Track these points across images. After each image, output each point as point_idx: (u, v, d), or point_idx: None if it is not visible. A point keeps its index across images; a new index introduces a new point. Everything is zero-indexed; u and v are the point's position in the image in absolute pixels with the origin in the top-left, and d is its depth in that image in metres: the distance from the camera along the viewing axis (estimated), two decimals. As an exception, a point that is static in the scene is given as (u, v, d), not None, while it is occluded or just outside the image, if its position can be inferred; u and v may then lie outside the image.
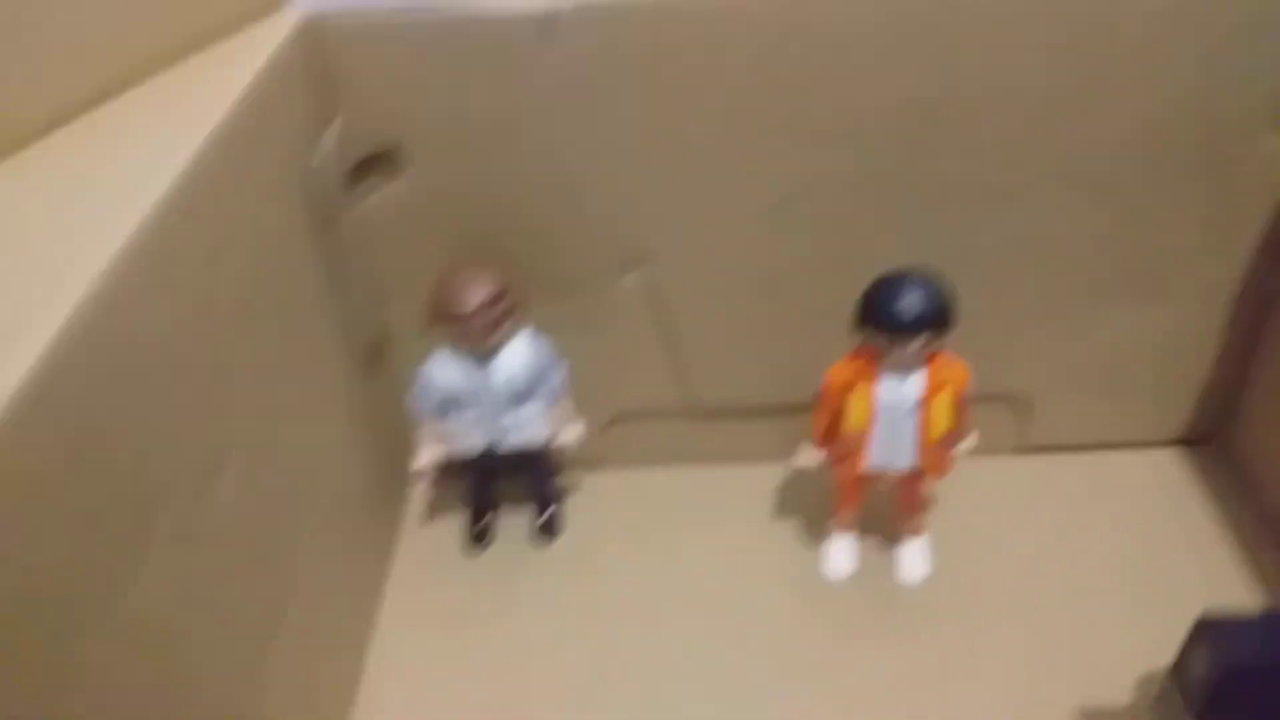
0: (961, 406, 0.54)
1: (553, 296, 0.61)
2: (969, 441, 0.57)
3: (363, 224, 0.59)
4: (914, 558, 0.60)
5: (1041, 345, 0.63)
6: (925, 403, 0.52)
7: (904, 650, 0.56)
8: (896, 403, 0.53)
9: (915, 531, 0.60)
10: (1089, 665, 0.54)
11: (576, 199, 0.57)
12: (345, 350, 0.58)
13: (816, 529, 0.63)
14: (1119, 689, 0.53)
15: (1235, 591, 0.58)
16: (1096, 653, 0.55)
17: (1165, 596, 0.57)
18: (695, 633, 0.58)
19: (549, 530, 0.66)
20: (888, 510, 0.61)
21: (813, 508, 0.64)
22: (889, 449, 0.54)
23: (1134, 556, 0.61)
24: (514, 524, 0.67)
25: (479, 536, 0.66)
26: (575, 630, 0.59)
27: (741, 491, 0.67)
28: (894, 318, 0.50)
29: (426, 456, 0.61)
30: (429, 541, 0.66)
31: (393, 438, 0.67)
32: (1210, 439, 0.68)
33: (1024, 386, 0.65)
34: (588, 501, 0.68)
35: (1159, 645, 0.50)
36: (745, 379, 0.65)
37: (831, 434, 0.56)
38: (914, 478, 0.57)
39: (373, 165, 0.58)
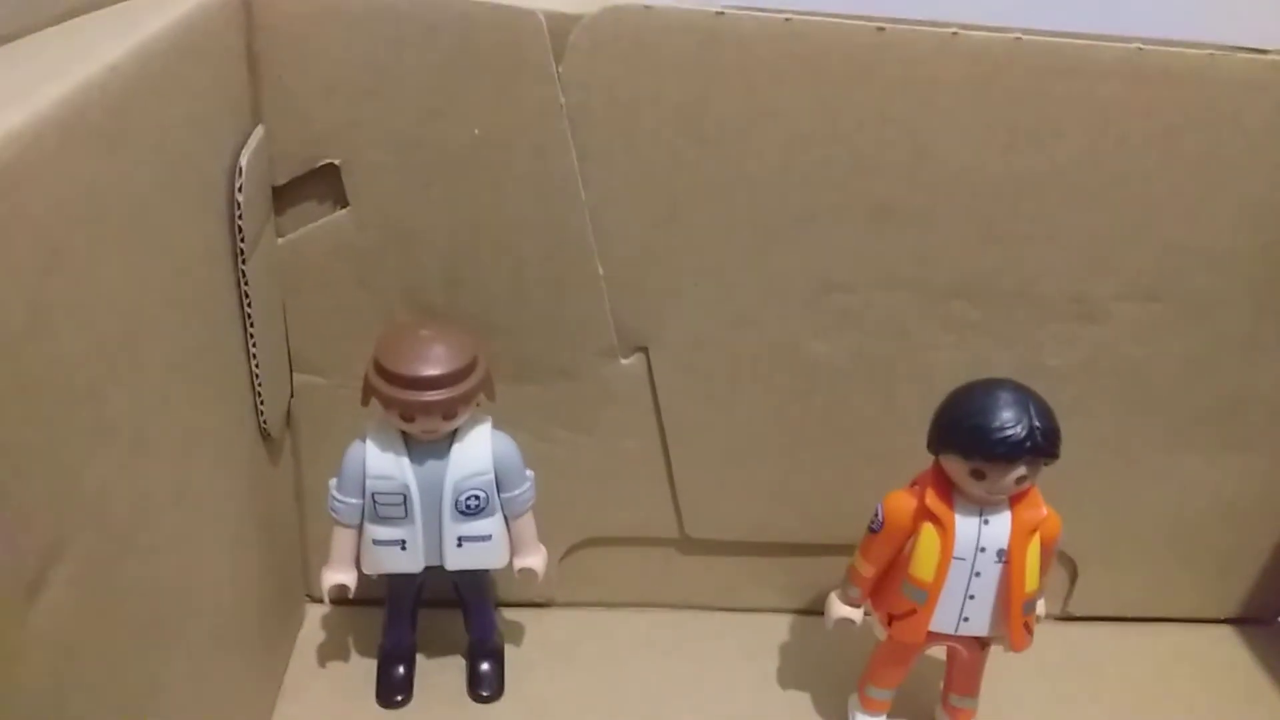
0: (1049, 559, 0.42)
1: (521, 378, 0.48)
2: (1041, 606, 0.45)
3: (286, 261, 0.45)
4: (965, 752, 0.47)
5: (1101, 495, 0.52)
6: (1014, 552, 0.41)
7: None
8: (978, 549, 0.41)
9: (965, 717, 0.47)
10: None
11: (568, 253, 0.45)
12: (247, 418, 0.43)
13: (835, 700, 0.50)
14: None
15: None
16: None
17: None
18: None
19: (488, 688, 0.50)
20: (924, 677, 0.49)
21: (829, 671, 0.51)
22: (964, 607, 0.42)
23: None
24: (438, 677, 0.51)
25: (395, 690, 0.49)
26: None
27: (737, 645, 0.53)
28: (992, 440, 0.38)
29: (338, 576, 0.45)
30: (326, 687, 0.50)
31: (287, 543, 0.51)
32: (1271, 619, 0.58)
33: (1072, 543, 0.54)
34: (537, 651, 0.53)
35: None
36: (753, 506, 0.52)
37: (885, 581, 0.44)
38: (981, 647, 0.45)
39: (305, 187, 0.44)
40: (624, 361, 0.48)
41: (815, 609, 0.54)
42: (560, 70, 0.41)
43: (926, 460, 0.43)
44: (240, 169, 0.40)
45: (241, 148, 0.40)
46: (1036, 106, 0.42)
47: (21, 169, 0.25)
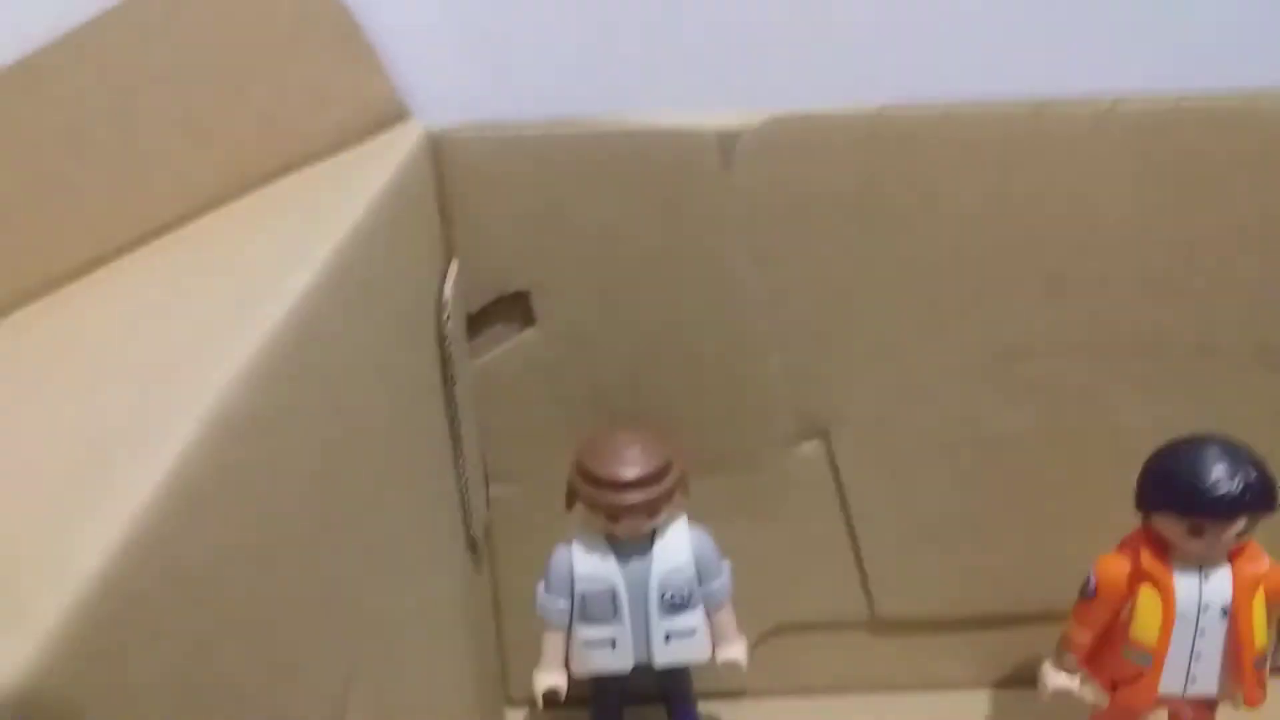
0: (1275, 613, 0.41)
1: (705, 471, 0.49)
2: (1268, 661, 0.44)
3: (481, 381, 0.48)
4: (1199, 823, 0.45)
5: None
6: (1239, 607, 0.40)
7: None
8: (1201, 607, 0.40)
9: (1197, 786, 0.46)
10: None
11: (747, 350, 0.47)
12: (459, 531, 0.46)
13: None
14: None
15: None
16: None
17: None
18: None
19: (696, 780, 0.50)
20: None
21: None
22: (1190, 668, 0.41)
23: None
24: (643, 773, 0.51)
25: (605, 789, 0.50)
26: None
27: (940, 727, 0.52)
28: (1207, 496, 0.38)
29: (551, 678, 0.47)
30: (534, 796, 0.51)
31: (489, 648, 0.53)
32: None
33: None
34: (738, 742, 0.53)
35: None
36: (943, 581, 0.52)
37: (1101, 646, 0.43)
38: (1208, 709, 0.43)
39: (495, 311, 0.47)
40: (804, 447, 0.49)
41: (1013, 682, 0.53)
42: (730, 180, 0.43)
43: (1120, 524, 0.43)
44: (445, 303, 0.43)
45: (443, 283, 0.44)
46: (1202, 165, 0.42)
47: (309, 324, 0.28)
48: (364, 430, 0.32)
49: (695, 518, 0.47)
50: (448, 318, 0.43)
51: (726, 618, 0.47)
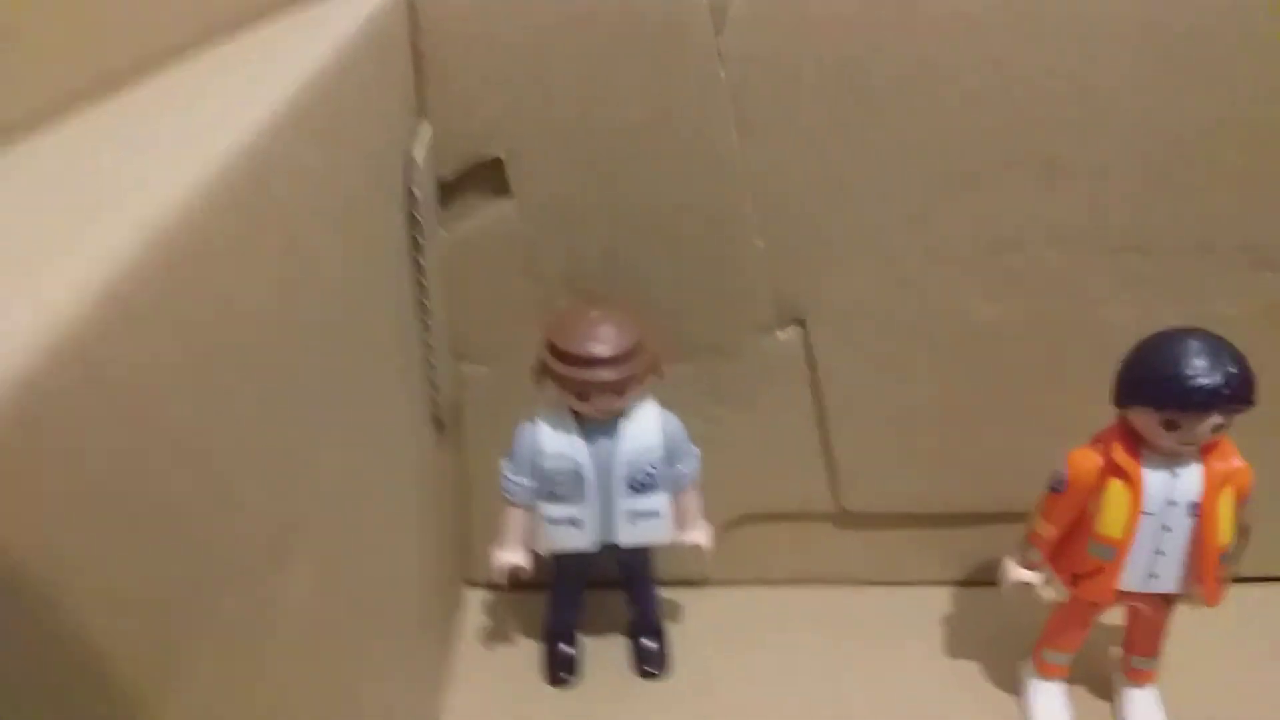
0: (1242, 512, 0.41)
1: (679, 357, 0.48)
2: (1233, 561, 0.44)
3: (452, 254, 0.46)
4: (1147, 712, 0.46)
5: (1275, 451, 0.51)
6: (1207, 504, 0.40)
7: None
8: (1168, 503, 0.40)
9: (1147, 679, 0.46)
10: None
11: (727, 228, 0.45)
12: (425, 407, 0.45)
13: (1005, 670, 0.49)
14: None
15: None
16: None
17: None
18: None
19: (655, 665, 0.50)
20: (1103, 646, 0.48)
21: (999, 642, 0.50)
22: (1152, 564, 0.41)
23: None
24: (603, 655, 0.52)
25: (564, 668, 0.50)
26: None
27: (901, 619, 0.53)
28: (1188, 389, 0.37)
29: (512, 557, 0.46)
30: (494, 670, 0.51)
31: (453, 529, 0.52)
32: None
33: (1255, 498, 0.53)
34: (699, 629, 0.53)
35: None
36: (914, 476, 0.51)
37: (1066, 541, 0.43)
38: (1166, 605, 0.44)
39: (469, 182, 0.46)
40: (781, 336, 0.48)
41: (979, 580, 0.54)
42: (720, 45, 0.41)
43: (1099, 421, 0.42)
44: (414, 164, 0.41)
45: (412, 143, 0.42)
46: (1208, 50, 0.41)
47: (267, 158, 0.26)
48: (321, 278, 0.30)
49: (667, 402, 0.46)
50: (414, 179, 0.41)
51: (692, 502, 0.47)
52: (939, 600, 0.54)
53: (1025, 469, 0.45)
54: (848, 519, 0.53)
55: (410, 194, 0.41)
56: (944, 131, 0.42)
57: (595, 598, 0.52)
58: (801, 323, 0.48)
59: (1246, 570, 0.54)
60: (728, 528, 0.54)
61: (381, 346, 0.38)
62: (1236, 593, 0.54)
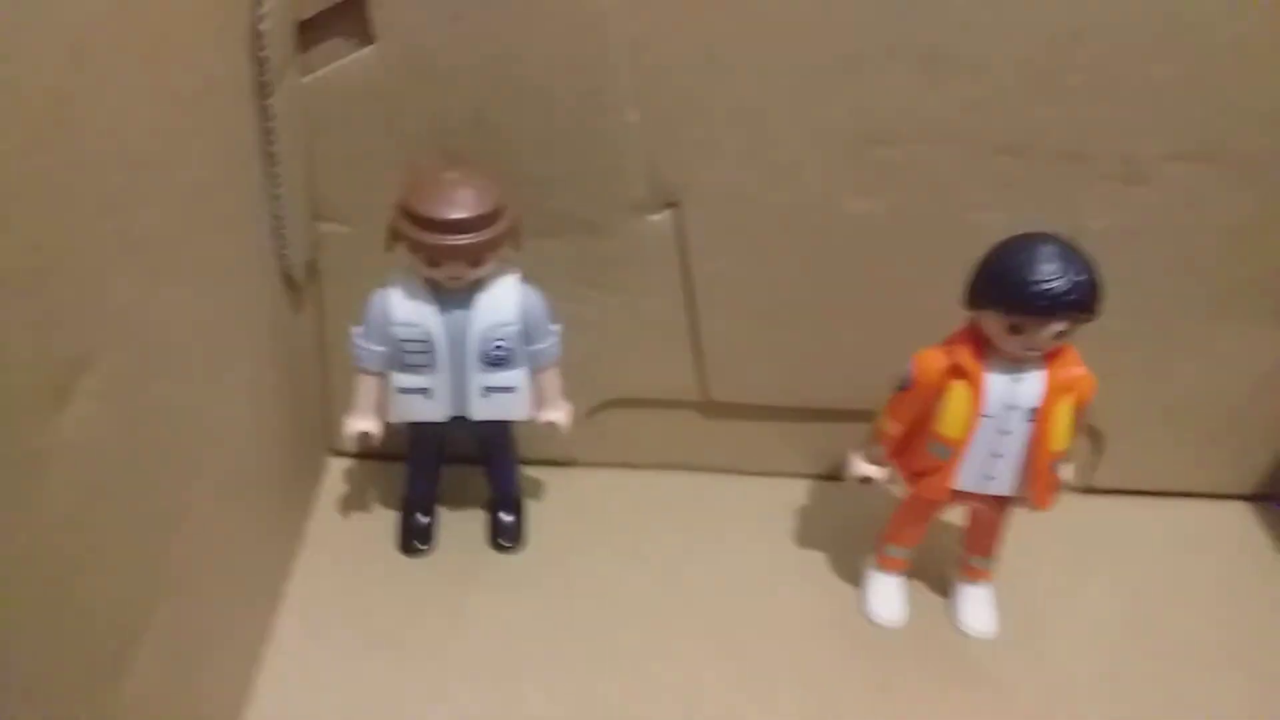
0: (1080, 420, 0.42)
1: (548, 232, 0.47)
2: (1069, 470, 0.45)
3: (311, 102, 0.44)
4: (980, 608, 0.48)
5: (1134, 366, 0.52)
6: (1045, 410, 0.40)
7: (970, 716, 0.44)
8: (1008, 407, 0.40)
9: (982, 577, 0.48)
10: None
11: (604, 99, 0.43)
12: (270, 260, 0.43)
13: (851, 560, 0.50)
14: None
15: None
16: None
17: (1264, 670, 0.47)
18: (698, 681, 0.44)
19: (509, 538, 0.51)
20: (937, 541, 0.49)
21: (848, 534, 0.51)
22: (988, 465, 0.42)
23: (1225, 621, 0.49)
24: (460, 528, 0.52)
25: (417, 538, 0.50)
26: (537, 669, 0.44)
27: (758, 508, 0.53)
28: (1032, 293, 0.37)
29: (362, 424, 0.45)
30: (348, 537, 0.51)
31: (310, 394, 0.51)
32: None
33: (1099, 413, 0.54)
34: (558, 507, 0.53)
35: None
36: (780, 370, 0.51)
37: (909, 440, 0.43)
38: (1002, 507, 0.45)
39: (333, 23, 0.43)
40: (653, 218, 0.47)
41: (839, 475, 0.55)
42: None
43: (962, 324, 0.42)
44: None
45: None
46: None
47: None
48: (120, 106, 0.28)
49: (534, 279, 0.45)
50: (261, 16, 0.38)
51: (551, 381, 0.46)
52: (796, 492, 0.55)
53: (888, 368, 0.45)
54: (714, 409, 0.53)
55: (256, 31, 0.38)
56: (828, 10, 0.41)
57: (461, 472, 0.52)
58: (675, 205, 0.47)
59: (1101, 482, 0.56)
60: (595, 411, 0.54)
61: (209, 186, 0.35)
62: (1085, 503, 0.56)
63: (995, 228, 0.43)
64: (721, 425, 0.54)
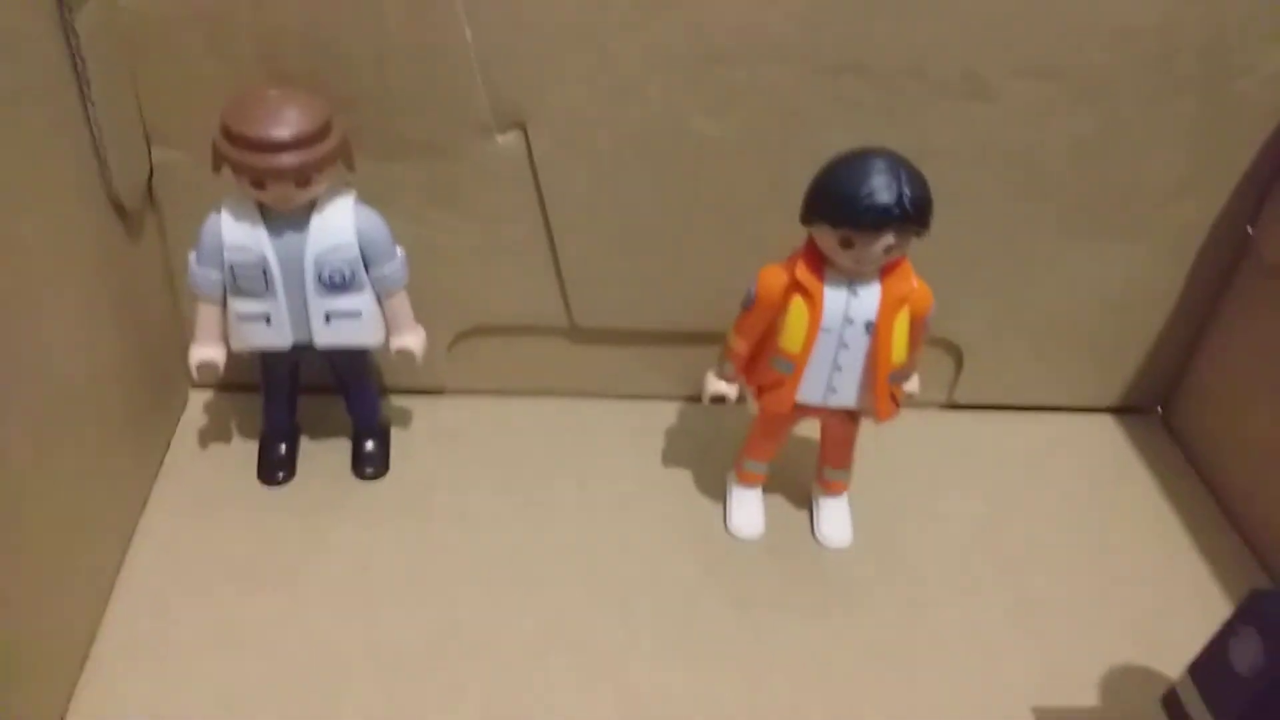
0: (919, 334, 0.42)
1: (391, 155, 0.46)
2: (915, 383, 0.46)
3: (131, 23, 0.42)
4: (836, 519, 0.49)
5: (987, 283, 0.52)
6: (882, 324, 0.41)
7: (826, 626, 0.45)
8: (845, 321, 0.41)
9: (837, 489, 0.49)
10: (1037, 648, 0.44)
11: (437, 16, 0.42)
12: (91, 187, 0.41)
13: (714, 479, 0.51)
14: (1075, 676, 0.43)
15: (1186, 574, 0.49)
16: (1045, 636, 0.45)
17: (1111, 572, 0.49)
18: (561, 601, 0.45)
19: (372, 465, 0.50)
20: (799, 460, 0.50)
21: (712, 452, 0.52)
22: (830, 379, 0.42)
23: (1077, 527, 0.51)
24: (323, 457, 0.51)
25: (276, 467, 0.50)
26: (396, 595, 0.45)
27: (619, 430, 0.54)
28: (860, 207, 0.37)
29: (205, 352, 0.45)
30: (207, 469, 0.50)
31: (159, 325, 0.50)
32: (1151, 408, 0.60)
33: (958, 331, 0.55)
34: (424, 435, 0.53)
35: (1110, 628, 0.45)
36: (641, 293, 0.51)
37: (757, 356, 0.44)
38: (850, 420, 0.45)
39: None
40: (501, 139, 0.46)
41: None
42: None
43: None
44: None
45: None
46: None
47: None
48: None
49: (378, 204, 0.44)
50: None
51: (400, 306, 0.46)
52: (662, 414, 0.55)
53: (743, 289, 0.45)
54: (581, 334, 0.53)
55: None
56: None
57: (324, 402, 0.51)
58: (523, 128, 0.46)
59: (962, 398, 0.58)
60: (459, 339, 0.53)
61: (8, 105, 0.34)
62: (947, 418, 0.58)
63: (842, 147, 0.42)
64: (588, 351, 0.54)
